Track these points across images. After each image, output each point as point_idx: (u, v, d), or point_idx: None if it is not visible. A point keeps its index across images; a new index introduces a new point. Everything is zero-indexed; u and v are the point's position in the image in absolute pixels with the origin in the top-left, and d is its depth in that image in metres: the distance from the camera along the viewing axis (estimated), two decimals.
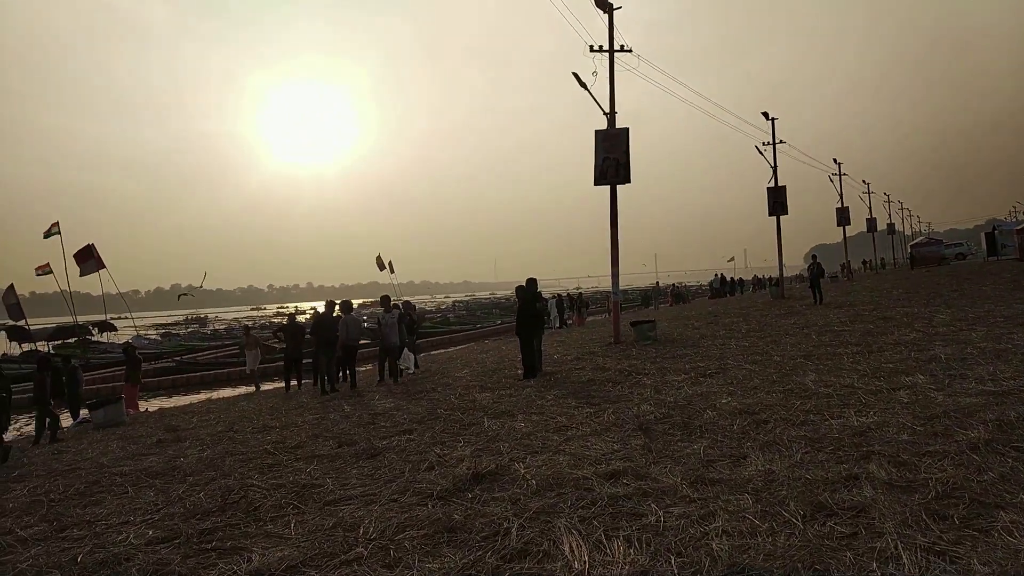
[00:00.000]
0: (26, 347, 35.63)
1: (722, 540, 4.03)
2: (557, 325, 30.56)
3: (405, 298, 20.95)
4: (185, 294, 35.55)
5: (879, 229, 55.52)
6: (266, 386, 19.67)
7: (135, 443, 9.81)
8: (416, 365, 15.50)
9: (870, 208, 56.70)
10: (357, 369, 14.40)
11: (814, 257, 27.94)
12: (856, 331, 14.18)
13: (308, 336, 14.97)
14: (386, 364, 14.05)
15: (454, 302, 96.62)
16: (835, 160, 46.25)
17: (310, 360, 15.06)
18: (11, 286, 32.87)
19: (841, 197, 46.12)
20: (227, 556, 4.61)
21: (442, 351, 28.71)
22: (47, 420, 12.34)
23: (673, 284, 59.61)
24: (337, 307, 14.08)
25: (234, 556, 4.58)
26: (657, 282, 69.12)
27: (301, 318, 16.31)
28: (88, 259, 37.73)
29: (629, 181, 17.46)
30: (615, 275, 18.00)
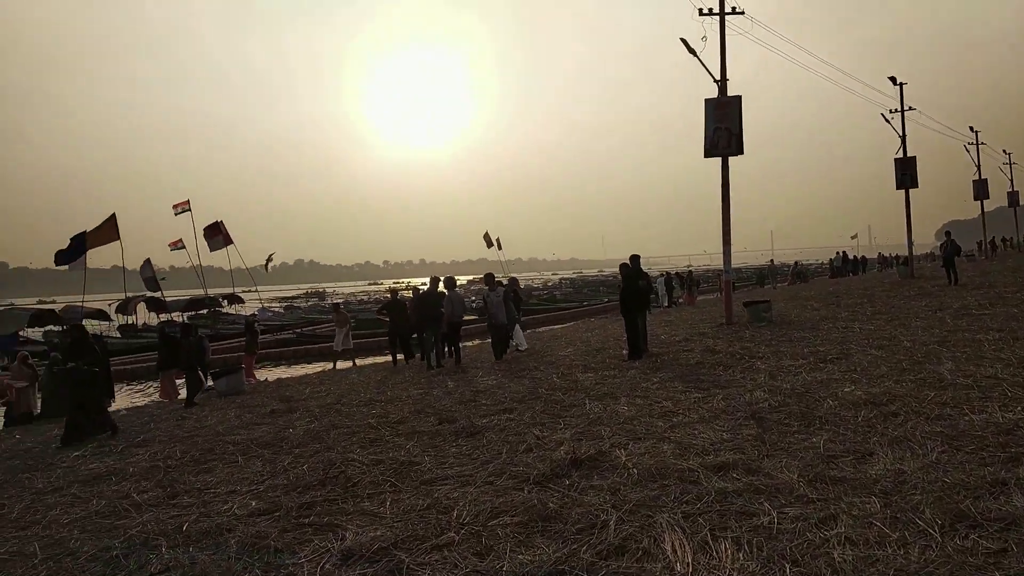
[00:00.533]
0: (163, 317, 38.26)
1: (845, 549, 3.62)
2: (665, 304, 29.78)
3: (512, 275, 20.61)
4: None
5: (1022, 204, 50.64)
6: (368, 360, 20.21)
7: (250, 412, 10.20)
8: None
9: (1012, 180, 51.85)
10: (462, 345, 14.44)
11: (947, 234, 25.79)
12: (998, 315, 12.90)
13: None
14: (497, 343, 13.89)
15: (561, 279, 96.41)
16: (971, 128, 42.47)
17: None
18: (147, 260, 35.33)
19: (979, 168, 42.37)
20: (322, 532, 4.61)
21: (547, 329, 28.60)
22: (196, 382, 13.14)
23: (795, 262, 56.55)
24: (441, 283, 14.15)
25: (328, 533, 4.57)
26: (772, 260, 66.22)
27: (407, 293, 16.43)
28: (217, 235, 40.05)
29: (742, 152, 16.59)
30: (727, 252, 17.21)
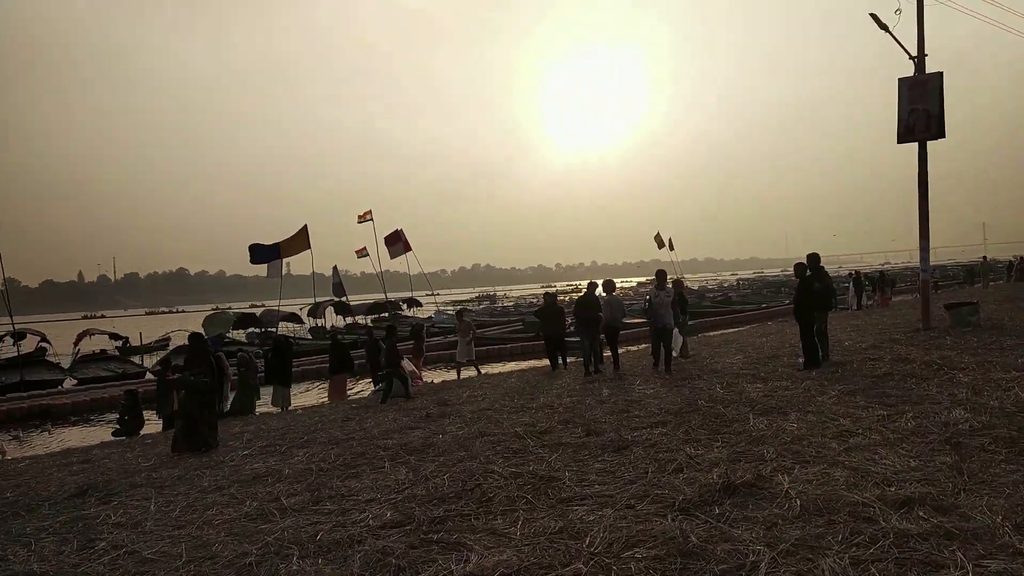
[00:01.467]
0: (348, 320, 40.88)
1: None
2: (854, 307, 27.36)
3: (675, 276, 19.61)
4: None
5: None
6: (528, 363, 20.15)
7: (407, 415, 10.37)
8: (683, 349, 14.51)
9: None
10: (620, 351, 13.92)
11: None
12: None
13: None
14: (660, 349, 13.01)
15: (738, 279, 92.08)
16: None
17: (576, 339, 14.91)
18: (335, 267, 37.89)
19: None
20: (447, 552, 4.40)
21: (718, 333, 27.22)
22: (390, 382, 13.50)
23: (1021, 257, 49.60)
24: (599, 287, 13.73)
25: (454, 553, 4.35)
26: (984, 256, 58.94)
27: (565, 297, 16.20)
28: (397, 242, 42.15)
29: (943, 135, 14.71)
30: (924, 249, 15.35)
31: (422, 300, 49.89)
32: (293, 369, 16.67)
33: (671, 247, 47.54)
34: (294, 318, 37.94)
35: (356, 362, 17.99)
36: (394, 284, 65.56)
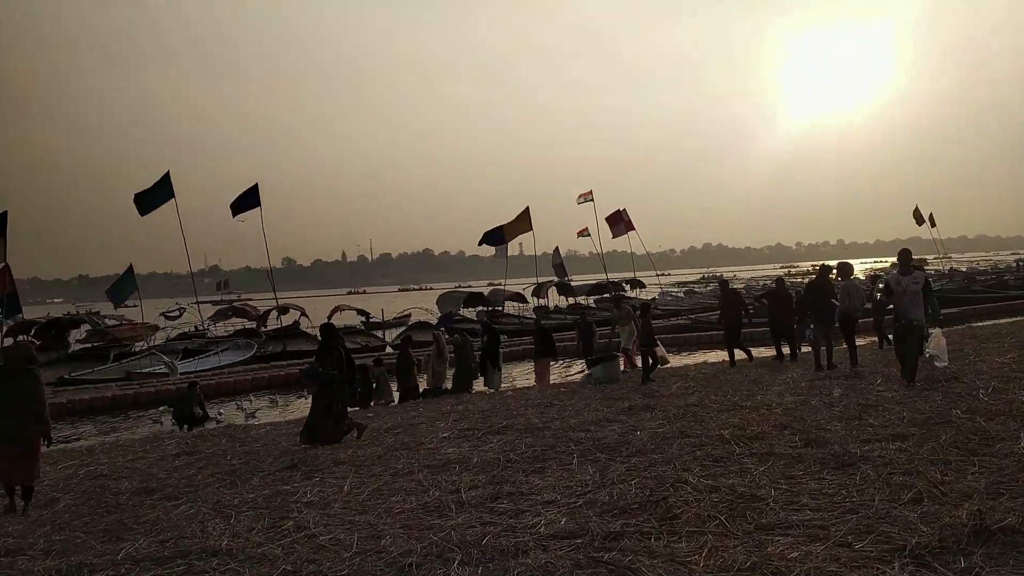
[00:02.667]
0: (571, 301, 41.23)
1: None
2: None
3: (919, 257, 17.01)
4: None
5: None
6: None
7: (610, 406, 9.89)
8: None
9: None
10: (857, 344, 12.22)
11: None
12: None
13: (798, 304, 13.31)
14: (907, 352, 10.74)
15: (1017, 260, 79.16)
16: None
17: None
18: (556, 248, 38.33)
19: None
20: None
21: (988, 323, 23.36)
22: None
23: None
24: (834, 271, 12.16)
25: None
26: None
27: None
28: (619, 222, 41.71)
29: None
30: None
31: (645, 281, 48.96)
32: (508, 350, 16.84)
33: (932, 223, 42.01)
34: (519, 298, 39.02)
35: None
36: (617, 264, 65.28)
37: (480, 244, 33.00)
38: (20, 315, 28.56)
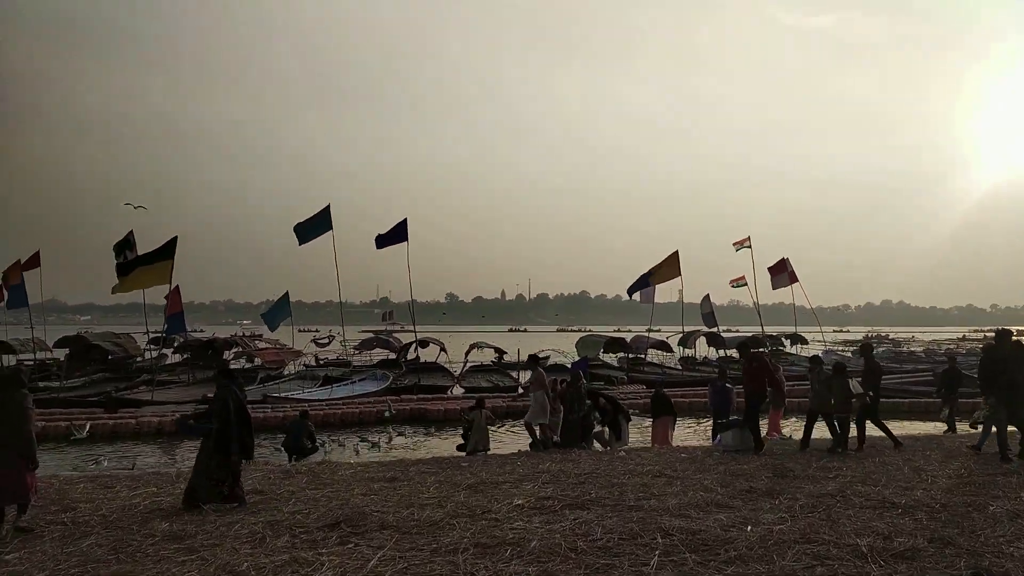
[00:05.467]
0: (720, 352, 38.55)
1: None
2: None
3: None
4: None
5: None
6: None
7: (727, 485, 8.25)
8: None
9: None
10: None
11: None
12: None
13: None
14: None
15: None
16: None
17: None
18: (706, 296, 36.02)
19: None
20: None
21: None
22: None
23: None
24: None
25: None
26: None
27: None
28: (781, 272, 38.79)
29: None
30: None
31: (807, 336, 45.02)
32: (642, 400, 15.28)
33: None
34: (663, 346, 36.97)
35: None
36: (781, 318, 60.96)
37: (630, 294, 31.75)
38: (185, 333, 30.65)
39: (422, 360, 33.06)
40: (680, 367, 36.57)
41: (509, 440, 16.95)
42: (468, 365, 33.34)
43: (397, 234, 28.90)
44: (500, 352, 34.14)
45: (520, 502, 7.41)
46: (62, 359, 32.17)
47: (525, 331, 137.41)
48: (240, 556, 5.58)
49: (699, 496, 7.57)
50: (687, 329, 39.49)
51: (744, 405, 11.81)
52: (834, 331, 44.42)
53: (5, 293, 28.95)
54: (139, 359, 33.44)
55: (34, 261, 30.39)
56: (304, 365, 33.69)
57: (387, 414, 20.91)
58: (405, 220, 28.96)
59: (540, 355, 39.87)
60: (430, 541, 5.98)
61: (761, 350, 17.43)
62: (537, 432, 13.14)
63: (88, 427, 17.76)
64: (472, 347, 33.90)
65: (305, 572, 5.14)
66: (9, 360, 31.37)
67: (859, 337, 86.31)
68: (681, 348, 39.26)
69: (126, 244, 26.87)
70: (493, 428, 14.36)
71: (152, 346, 32.50)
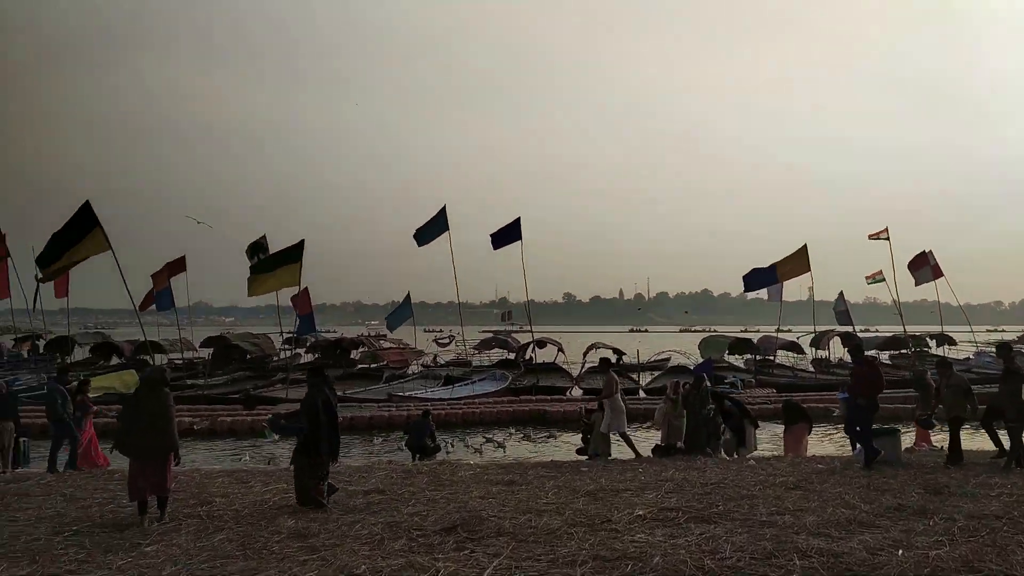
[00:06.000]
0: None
1: None
2: None
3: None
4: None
5: None
6: None
7: (872, 501, 7.55)
8: None
9: None
10: None
11: None
12: None
13: None
14: None
15: None
16: None
17: None
18: (840, 293, 33.91)
19: None
20: None
21: None
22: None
23: None
24: None
25: None
26: None
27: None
28: (923, 266, 36.03)
29: None
30: None
31: (955, 336, 41.50)
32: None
33: None
34: (794, 347, 35.06)
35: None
36: (924, 317, 56.50)
37: (748, 288, 30.31)
38: (315, 333, 32.05)
39: (539, 361, 33.00)
40: (813, 370, 34.63)
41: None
42: (587, 366, 33.00)
43: (511, 233, 28.99)
44: (619, 353, 33.56)
45: (642, 512, 7.07)
46: (207, 358, 34.52)
47: (646, 331, 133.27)
48: (359, 558, 5.58)
49: (840, 513, 6.95)
50: (819, 329, 37.35)
51: (857, 415, 10.83)
52: (987, 330, 40.42)
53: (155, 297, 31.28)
54: (275, 358, 35.28)
55: (180, 265, 32.70)
56: (423, 365, 34.40)
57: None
58: (518, 219, 28.98)
59: (661, 356, 39.20)
60: (547, 551, 5.77)
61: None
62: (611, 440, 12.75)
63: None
64: (590, 348, 33.49)
65: None
66: (161, 360, 33.98)
67: (1015, 337, 78.97)
68: (813, 349, 37.18)
69: (259, 247, 28.46)
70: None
71: (286, 346, 34.25)
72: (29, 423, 15.06)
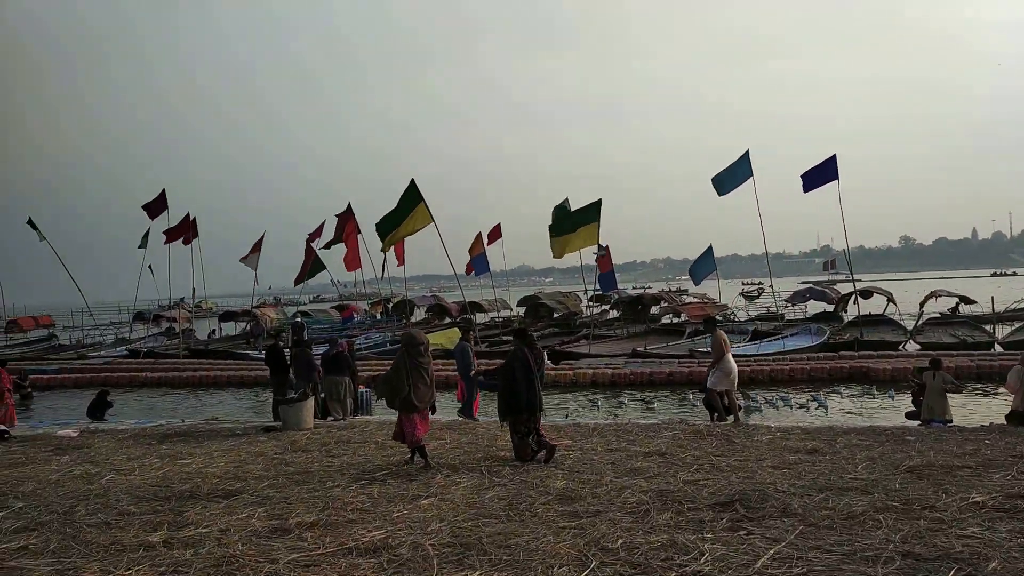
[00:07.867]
0: None
1: None
2: None
3: None
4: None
5: None
6: None
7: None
8: None
9: None
10: None
11: None
12: None
13: None
14: None
15: None
16: None
17: None
18: None
19: None
20: None
21: None
22: None
23: None
24: None
25: None
26: None
27: None
28: None
29: None
30: None
31: None
32: None
33: None
34: None
35: None
36: None
37: None
38: (616, 290, 32.29)
39: (866, 313, 29.36)
40: None
41: (972, 409, 13.81)
42: (925, 317, 28.61)
43: (824, 172, 25.99)
44: (968, 301, 28.53)
45: (979, 498, 5.60)
46: (520, 315, 37.02)
47: (1015, 275, 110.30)
48: (617, 530, 5.14)
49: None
50: None
51: None
52: None
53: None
54: (581, 315, 36.48)
55: (496, 233, 35.76)
56: (728, 319, 32.74)
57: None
58: (834, 156, 25.86)
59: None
60: (842, 540, 4.77)
61: None
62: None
63: None
64: (929, 296, 28.93)
65: (679, 561, 4.46)
66: (484, 319, 36.99)
67: None
68: None
69: (562, 209, 29.26)
70: (953, 395, 11.70)
71: (592, 303, 35.25)
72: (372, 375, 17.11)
